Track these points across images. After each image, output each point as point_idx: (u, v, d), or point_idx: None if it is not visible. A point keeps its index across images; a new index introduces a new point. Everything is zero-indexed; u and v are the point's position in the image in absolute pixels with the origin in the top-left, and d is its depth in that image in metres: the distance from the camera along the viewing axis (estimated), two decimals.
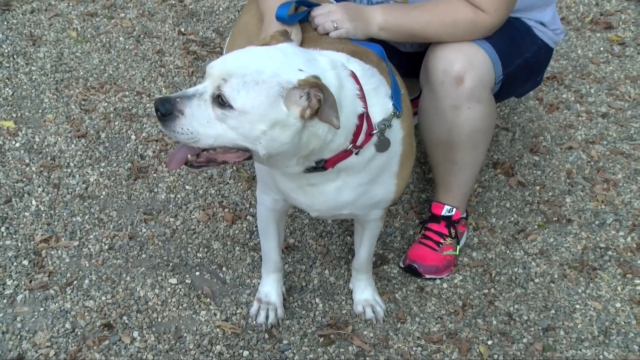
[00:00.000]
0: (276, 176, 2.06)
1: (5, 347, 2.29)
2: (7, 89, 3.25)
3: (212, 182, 2.92)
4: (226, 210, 2.81)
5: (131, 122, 3.14)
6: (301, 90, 1.70)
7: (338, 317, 2.47)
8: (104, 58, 3.48)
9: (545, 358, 2.37)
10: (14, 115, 3.13)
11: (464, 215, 2.68)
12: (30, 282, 2.48)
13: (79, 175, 2.89)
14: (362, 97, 1.85)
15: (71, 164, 2.93)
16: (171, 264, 2.60)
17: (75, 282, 2.50)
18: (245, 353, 2.33)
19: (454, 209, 2.62)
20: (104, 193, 2.83)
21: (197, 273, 2.58)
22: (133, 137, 3.07)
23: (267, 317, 2.41)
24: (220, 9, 3.89)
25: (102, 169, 2.92)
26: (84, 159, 2.96)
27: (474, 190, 2.93)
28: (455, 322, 2.47)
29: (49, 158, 2.95)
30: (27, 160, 2.92)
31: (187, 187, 2.89)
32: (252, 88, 1.69)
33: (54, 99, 3.22)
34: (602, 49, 3.72)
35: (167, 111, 1.72)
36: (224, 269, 2.60)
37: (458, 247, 2.65)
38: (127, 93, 3.29)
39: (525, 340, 2.43)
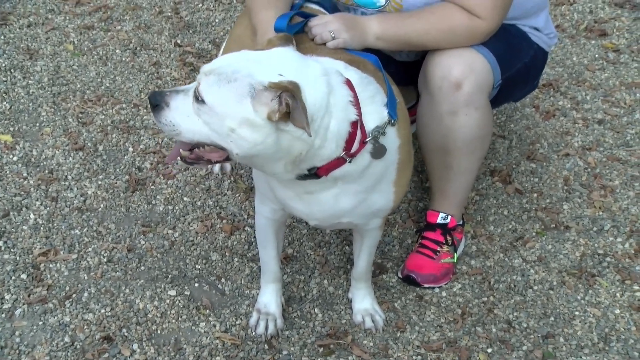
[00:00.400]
0: (273, 184, 2.06)
1: None
2: (5, 102, 3.26)
3: (210, 194, 2.92)
4: (224, 221, 2.81)
5: (128, 134, 3.14)
6: (273, 93, 1.71)
7: (337, 327, 2.47)
8: (100, 71, 3.49)
9: None
10: (11, 128, 3.13)
11: (460, 222, 2.68)
12: (29, 295, 2.48)
13: (77, 188, 2.89)
14: (356, 105, 1.84)
15: (69, 177, 2.93)
16: (170, 276, 2.60)
17: (74, 295, 2.50)
18: None
19: (449, 216, 2.62)
20: (102, 206, 2.83)
21: (196, 284, 2.58)
22: (130, 149, 3.08)
23: (266, 327, 2.40)
24: (217, 20, 3.90)
25: (100, 182, 2.92)
26: (81, 171, 2.96)
27: (471, 199, 2.93)
28: (454, 330, 2.47)
29: (46, 171, 2.95)
30: (24, 174, 2.92)
31: (185, 198, 2.89)
32: (223, 85, 1.74)
33: (51, 112, 3.22)
34: (597, 56, 3.74)
35: (156, 102, 1.83)
36: (222, 280, 2.60)
37: (456, 255, 2.65)
38: (124, 105, 3.29)
39: (525, 347, 2.43)
